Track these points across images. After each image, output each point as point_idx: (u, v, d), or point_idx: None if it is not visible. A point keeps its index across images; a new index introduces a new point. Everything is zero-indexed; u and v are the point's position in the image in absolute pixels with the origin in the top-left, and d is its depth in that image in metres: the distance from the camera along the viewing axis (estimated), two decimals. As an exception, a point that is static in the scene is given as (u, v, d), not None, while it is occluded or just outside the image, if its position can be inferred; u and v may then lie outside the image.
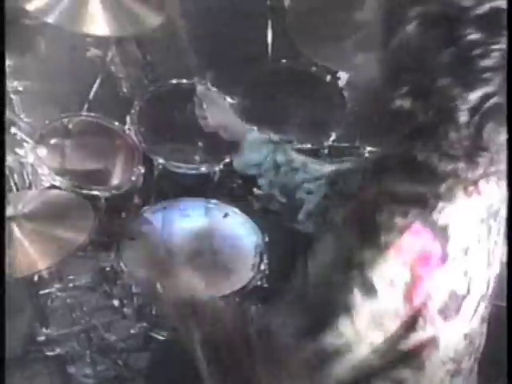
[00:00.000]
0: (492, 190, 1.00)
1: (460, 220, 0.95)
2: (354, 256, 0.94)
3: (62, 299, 2.13)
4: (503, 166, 0.90)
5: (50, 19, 1.89)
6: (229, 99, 2.25)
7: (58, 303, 2.16)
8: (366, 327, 0.94)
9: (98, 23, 1.95)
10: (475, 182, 0.96)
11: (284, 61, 2.46)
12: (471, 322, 1.05)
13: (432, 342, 0.99)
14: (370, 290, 0.92)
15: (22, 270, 1.52)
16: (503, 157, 0.88)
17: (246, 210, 2.02)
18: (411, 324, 0.96)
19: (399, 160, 0.98)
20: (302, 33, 2.25)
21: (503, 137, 0.85)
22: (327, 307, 0.96)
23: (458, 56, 0.82)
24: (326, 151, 2.23)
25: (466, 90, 0.82)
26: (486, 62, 0.81)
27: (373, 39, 0.93)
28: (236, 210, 2.00)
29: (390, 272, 0.92)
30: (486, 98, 0.82)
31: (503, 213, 1.05)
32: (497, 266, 1.07)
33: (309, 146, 2.20)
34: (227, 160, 2.10)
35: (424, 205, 0.93)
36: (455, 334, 1.03)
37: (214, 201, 2.02)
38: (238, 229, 1.97)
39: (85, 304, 2.15)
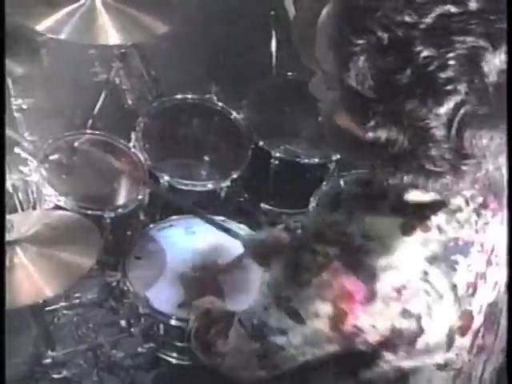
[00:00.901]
0: (454, 225, 0.94)
1: (397, 258, 0.90)
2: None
3: (69, 317, 2.11)
4: (491, 167, 0.87)
5: (63, 36, 1.98)
6: (235, 113, 2.24)
7: (65, 320, 2.14)
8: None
9: (107, 34, 2.04)
10: (422, 220, 0.92)
11: (290, 73, 2.45)
12: (446, 353, 0.99)
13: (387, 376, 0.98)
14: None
15: (27, 298, 1.48)
16: (490, 158, 0.85)
17: (253, 226, 2.00)
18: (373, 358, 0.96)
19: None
20: (307, 45, 2.22)
21: (485, 140, 0.82)
22: None
23: (417, 75, 0.79)
24: (333, 165, 2.21)
25: (435, 106, 0.80)
26: (446, 74, 0.78)
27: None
28: (243, 226, 1.98)
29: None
30: (457, 108, 0.80)
31: (489, 246, 0.98)
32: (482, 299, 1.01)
33: (316, 160, 2.18)
34: (234, 176, 2.09)
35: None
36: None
37: (220, 217, 2.00)
38: (245, 246, 1.93)
39: (91, 321, 2.13)
